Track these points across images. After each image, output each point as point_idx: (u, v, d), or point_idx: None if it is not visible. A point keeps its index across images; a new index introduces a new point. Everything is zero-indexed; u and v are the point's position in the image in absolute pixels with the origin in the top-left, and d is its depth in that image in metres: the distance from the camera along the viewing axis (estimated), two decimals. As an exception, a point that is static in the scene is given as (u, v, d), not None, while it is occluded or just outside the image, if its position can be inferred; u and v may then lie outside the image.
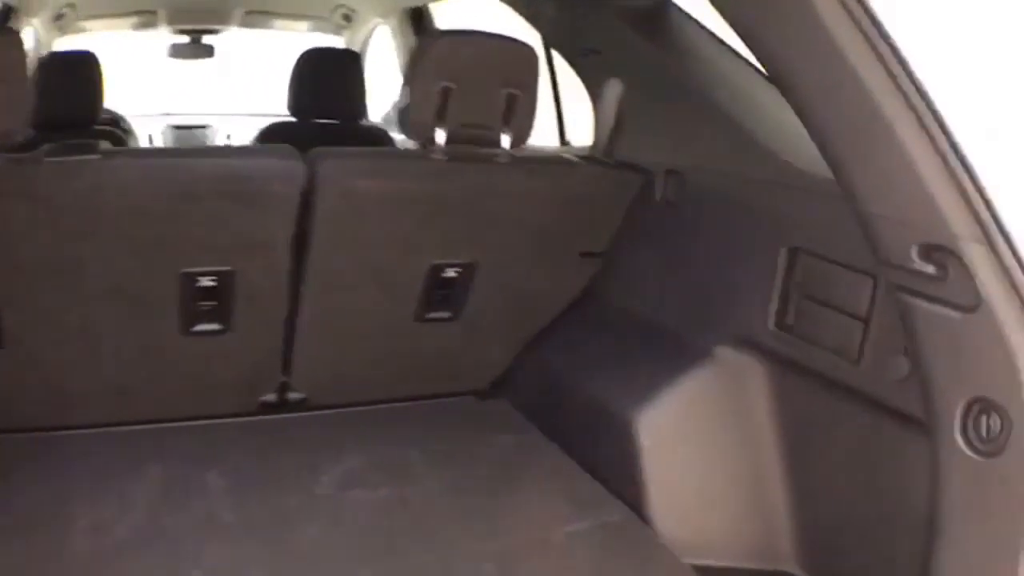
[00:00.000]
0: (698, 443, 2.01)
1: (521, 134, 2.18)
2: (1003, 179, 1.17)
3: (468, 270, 2.32)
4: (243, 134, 4.36)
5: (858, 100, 1.23)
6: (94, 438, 2.29)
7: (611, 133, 2.38)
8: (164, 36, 4.91)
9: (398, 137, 4.20)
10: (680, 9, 2.29)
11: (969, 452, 1.27)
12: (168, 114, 5.39)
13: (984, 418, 1.25)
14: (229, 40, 5.07)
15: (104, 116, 3.70)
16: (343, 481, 2.14)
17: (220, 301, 2.23)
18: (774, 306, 1.87)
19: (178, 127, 5.31)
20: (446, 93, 2.05)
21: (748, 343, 1.96)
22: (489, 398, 2.65)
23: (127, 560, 1.80)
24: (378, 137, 3.81)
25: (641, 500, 2.00)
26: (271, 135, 3.53)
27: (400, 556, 1.86)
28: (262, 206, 2.11)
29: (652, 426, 2.02)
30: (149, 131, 4.97)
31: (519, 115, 2.15)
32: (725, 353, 2.00)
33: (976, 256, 1.18)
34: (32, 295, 2.09)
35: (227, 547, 1.87)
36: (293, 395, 2.53)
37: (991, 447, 1.24)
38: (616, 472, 2.09)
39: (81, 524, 1.91)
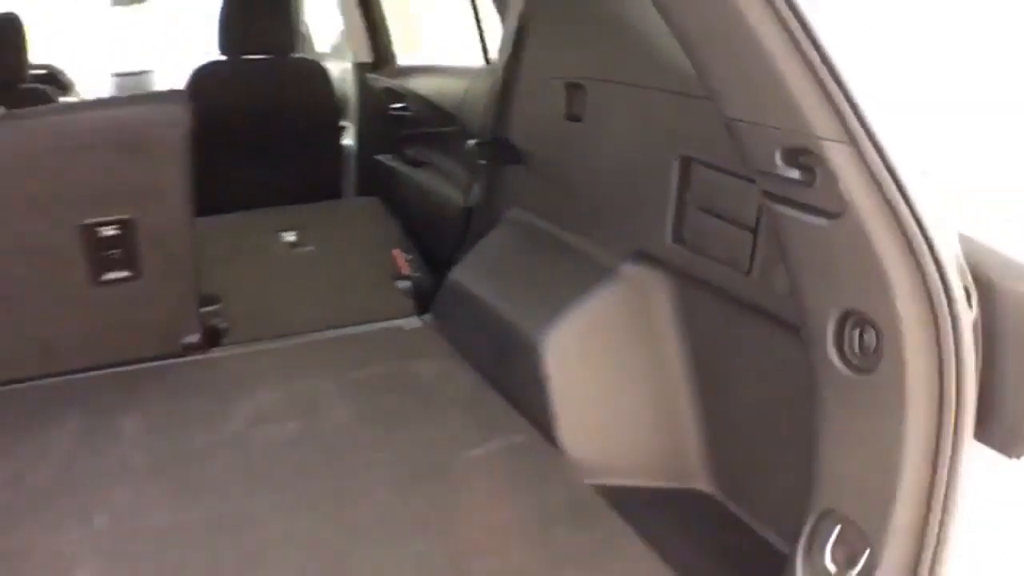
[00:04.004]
0: (604, 362, 1.97)
1: None
2: (869, 79, 1.11)
3: None
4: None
5: (719, 3, 1.15)
6: (16, 393, 2.29)
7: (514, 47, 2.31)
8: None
9: (338, 65, 4.25)
10: None
11: (843, 368, 1.23)
12: (111, 62, 5.51)
13: (858, 332, 1.21)
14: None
15: (41, 72, 3.76)
16: (253, 418, 2.12)
17: (125, 249, 2.25)
18: (670, 219, 1.82)
19: (120, 74, 5.39)
20: None
21: (649, 258, 1.92)
22: (419, 323, 2.63)
23: (38, 510, 1.82)
24: (308, 69, 3.87)
25: (547, 422, 1.98)
26: (201, 76, 3.59)
27: (295, 488, 1.85)
28: (149, 153, 2.13)
29: (557, 347, 1.98)
30: (92, 81, 5.05)
31: None
32: (627, 269, 1.96)
33: (840, 157, 1.12)
34: None
35: (134, 489, 1.88)
36: (215, 331, 2.55)
37: (865, 363, 1.20)
38: (525, 394, 2.06)
39: None
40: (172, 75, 5.07)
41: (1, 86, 3.09)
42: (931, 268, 1.10)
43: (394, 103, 3.76)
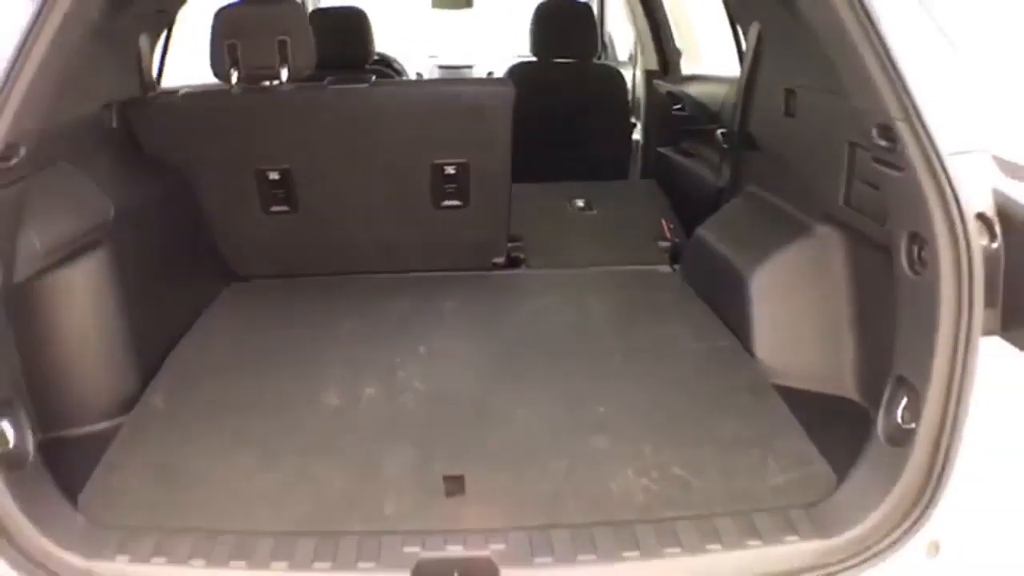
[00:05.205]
0: (792, 294, 2.65)
1: None
2: (922, 80, 1.78)
3: None
4: (500, 71, 5.18)
5: (840, 38, 1.86)
6: (363, 280, 3.30)
7: (752, 61, 3.06)
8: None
9: (630, 71, 5.07)
10: None
11: (908, 271, 1.88)
12: (434, 56, 6.46)
13: (916, 248, 1.85)
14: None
15: (377, 59, 4.76)
16: (538, 310, 3.03)
17: (460, 184, 3.14)
18: (842, 187, 2.47)
19: (444, 67, 6.37)
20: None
21: (830, 218, 2.58)
22: (669, 270, 3.52)
23: (375, 343, 2.76)
24: (608, 73, 4.67)
25: (747, 334, 2.69)
26: (514, 72, 4.44)
27: (559, 347, 2.73)
28: (485, 116, 2.99)
29: (761, 281, 2.69)
30: (419, 70, 6.03)
31: None
32: (815, 225, 2.63)
33: (903, 131, 1.78)
34: (323, 176, 3.11)
35: (449, 339, 2.81)
36: (516, 259, 3.49)
37: (919, 268, 1.84)
38: (733, 313, 2.79)
39: (346, 327, 2.90)
40: (488, 70, 6.03)
41: (352, 67, 3.97)
42: (954, 209, 1.72)
43: (675, 105, 4.51)
